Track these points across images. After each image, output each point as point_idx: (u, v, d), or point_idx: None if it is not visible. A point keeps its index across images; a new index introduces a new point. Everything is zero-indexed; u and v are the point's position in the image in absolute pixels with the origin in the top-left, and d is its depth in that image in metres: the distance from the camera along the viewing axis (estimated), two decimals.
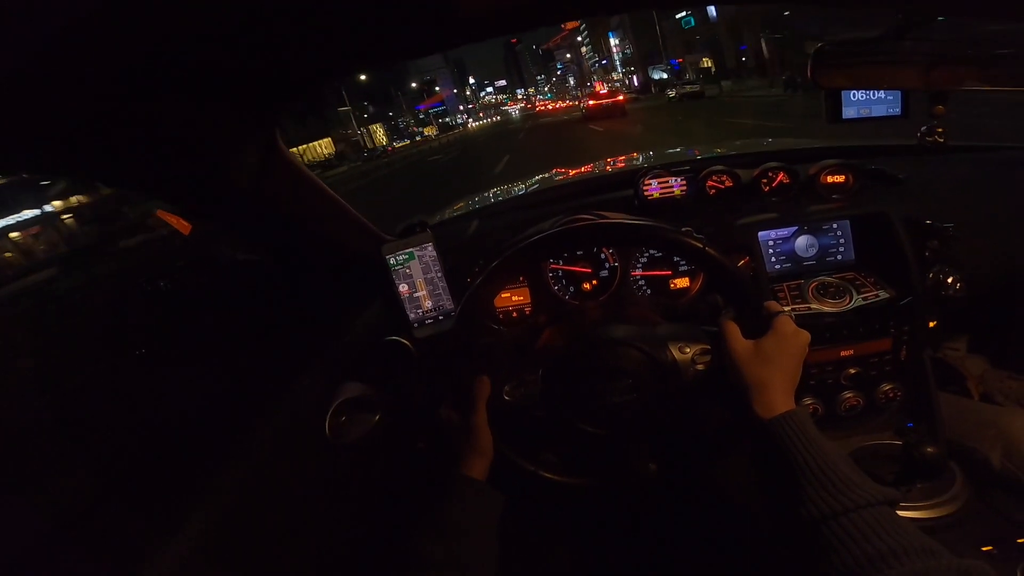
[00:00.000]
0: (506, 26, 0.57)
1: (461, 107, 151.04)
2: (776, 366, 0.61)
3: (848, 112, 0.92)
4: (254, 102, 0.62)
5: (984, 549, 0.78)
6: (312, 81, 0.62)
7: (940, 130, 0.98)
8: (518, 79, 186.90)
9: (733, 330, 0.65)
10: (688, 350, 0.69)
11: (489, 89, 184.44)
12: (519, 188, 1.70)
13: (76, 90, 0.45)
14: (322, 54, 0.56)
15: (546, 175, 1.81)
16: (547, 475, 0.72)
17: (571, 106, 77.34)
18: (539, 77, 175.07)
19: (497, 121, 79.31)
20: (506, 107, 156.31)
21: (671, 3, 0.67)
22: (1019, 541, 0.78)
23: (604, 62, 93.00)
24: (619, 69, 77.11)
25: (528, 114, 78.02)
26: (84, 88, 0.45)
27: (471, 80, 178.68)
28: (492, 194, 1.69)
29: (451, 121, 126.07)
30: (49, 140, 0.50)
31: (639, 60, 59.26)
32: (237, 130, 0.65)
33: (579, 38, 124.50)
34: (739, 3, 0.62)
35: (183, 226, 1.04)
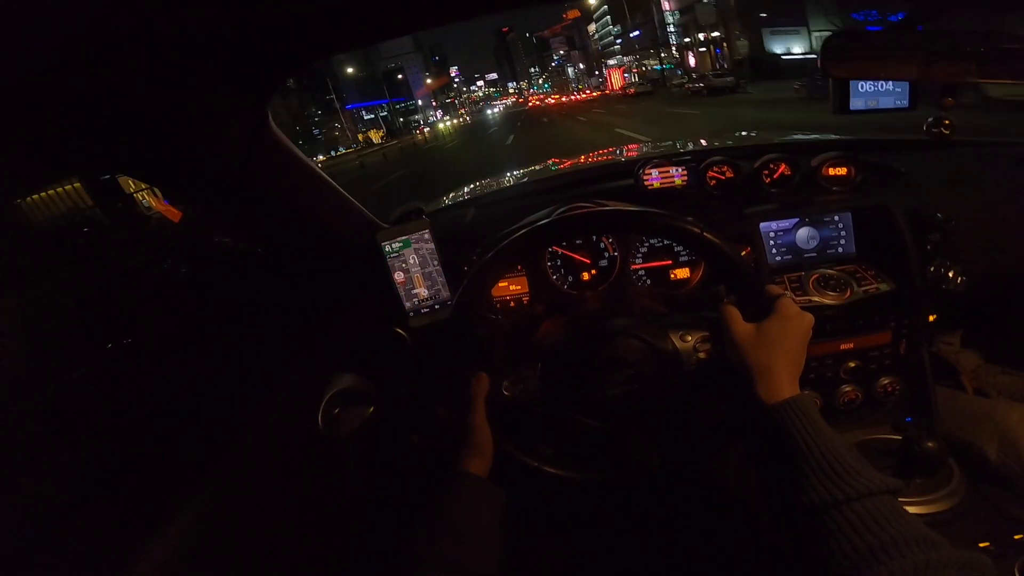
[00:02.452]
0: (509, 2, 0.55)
1: (434, 102, 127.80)
2: (780, 350, 0.59)
3: (856, 103, 0.91)
4: (245, 77, 0.59)
5: (981, 545, 0.78)
6: (307, 54, 0.59)
7: (947, 122, 0.97)
8: (509, 71, 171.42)
9: (734, 314, 0.63)
10: (689, 338, 0.68)
11: (480, 83, 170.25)
12: (518, 176, 1.68)
13: (61, 69, 0.43)
14: (318, 25, 0.53)
15: (545, 164, 1.79)
16: (550, 470, 0.71)
17: (587, 101, 52.34)
18: (532, 70, 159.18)
19: (470, 125, 50.61)
20: (496, 102, 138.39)
21: None
22: (1016, 537, 0.78)
23: (637, 33, 57.77)
24: (673, 41, 44.61)
25: (518, 111, 57.20)
26: (69, 67, 0.43)
27: (453, 73, 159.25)
28: (491, 182, 1.67)
29: (420, 120, 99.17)
30: (32, 123, 0.48)
31: (736, 20, 29.52)
32: (226, 107, 0.62)
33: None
34: None
35: (173, 213, 1.01)
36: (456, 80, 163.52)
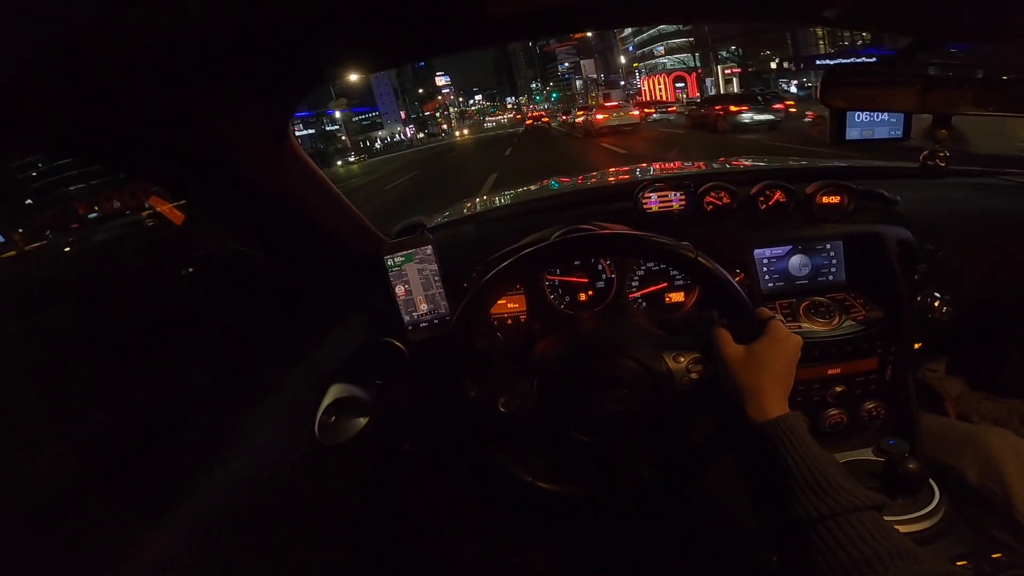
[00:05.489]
0: (533, 30, 0.57)
1: (404, 114, 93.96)
2: (769, 370, 0.61)
3: (852, 133, 0.93)
4: (270, 92, 0.61)
5: (959, 563, 0.80)
6: (330, 73, 0.61)
7: (941, 155, 0.99)
8: (509, 85, 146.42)
9: (725, 336, 0.65)
10: (682, 359, 0.70)
11: (478, 97, 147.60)
12: (519, 194, 1.70)
13: (95, 74, 0.45)
14: (343, 47, 0.56)
15: (546, 183, 1.81)
16: (543, 485, 0.72)
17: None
18: (533, 84, 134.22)
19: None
20: (490, 118, 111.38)
21: (711, 16, 0.68)
22: (994, 556, 0.80)
23: None
24: None
25: (512, 133, 35.29)
26: (104, 74, 0.45)
27: (441, 83, 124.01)
28: (492, 199, 1.69)
29: (387, 137, 76.77)
30: (63, 123, 0.50)
31: None
32: (252, 120, 0.64)
33: None
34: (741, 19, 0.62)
35: (175, 216, 1.02)
36: (444, 91, 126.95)
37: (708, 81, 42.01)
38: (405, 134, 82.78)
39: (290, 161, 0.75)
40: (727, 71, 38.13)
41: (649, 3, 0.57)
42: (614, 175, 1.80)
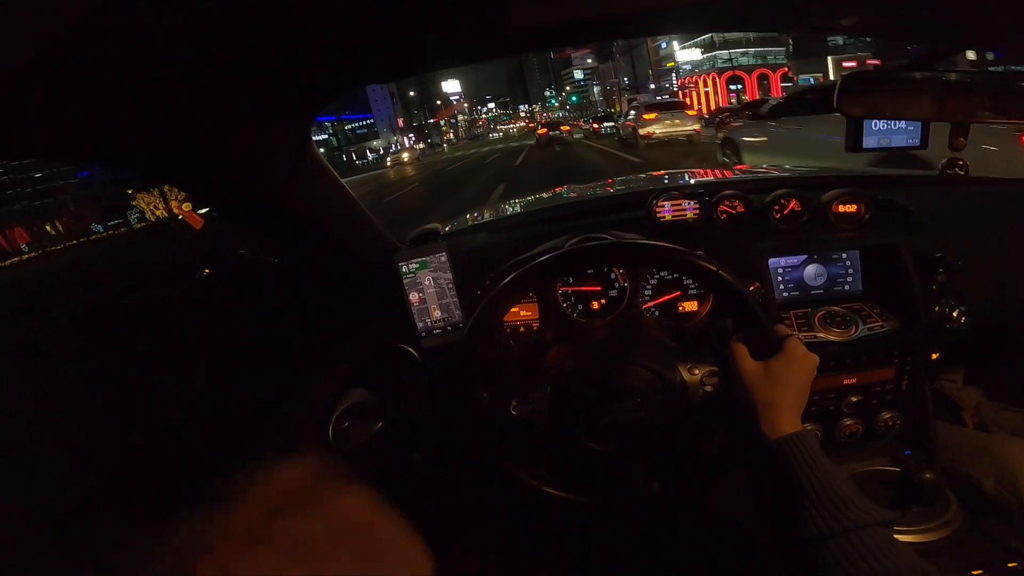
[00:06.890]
0: (553, 41, 0.58)
1: (402, 122, 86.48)
2: (785, 387, 0.62)
3: (868, 142, 0.93)
4: (292, 101, 0.63)
5: (975, 573, 0.80)
6: (352, 83, 0.63)
7: (961, 163, 0.98)
8: (522, 93, 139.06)
9: (742, 351, 0.66)
10: (697, 371, 0.70)
11: (491, 105, 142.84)
12: (532, 202, 1.70)
13: (127, 79, 0.46)
14: (365, 57, 0.57)
15: (559, 191, 1.82)
16: (550, 491, 0.73)
17: None
18: (547, 92, 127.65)
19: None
20: (499, 127, 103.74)
21: (732, 26, 0.69)
22: (1010, 565, 0.80)
23: None
24: None
25: (514, 148, 25.52)
26: (132, 78, 0.47)
27: (450, 88, 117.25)
28: (505, 207, 1.69)
29: (380, 148, 66.32)
30: (93, 127, 0.51)
31: None
32: (273, 129, 0.66)
33: None
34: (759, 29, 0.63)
35: (195, 220, 1.04)
36: (454, 99, 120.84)
37: (803, 80, 29.13)
38: (403, 143, 70.20)
39: (310, 168, 0.76)
40: (845, 64, 25.10)
41: (672, 14, 0.57)
42: (627, 183, 1.80)
